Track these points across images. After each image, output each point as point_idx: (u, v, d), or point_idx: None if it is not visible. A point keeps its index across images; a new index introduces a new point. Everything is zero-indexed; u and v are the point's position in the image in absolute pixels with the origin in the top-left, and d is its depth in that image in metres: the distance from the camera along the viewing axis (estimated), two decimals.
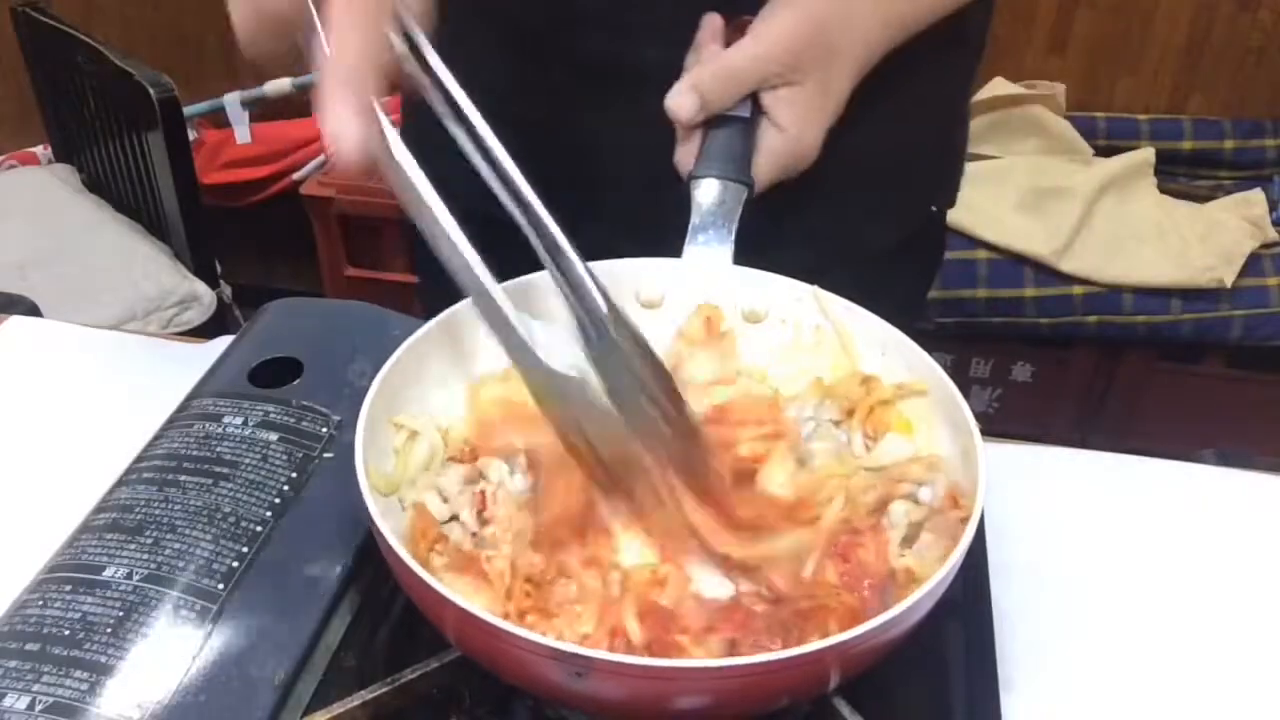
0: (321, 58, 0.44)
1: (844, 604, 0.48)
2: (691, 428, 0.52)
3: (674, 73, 0.63)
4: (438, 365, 0.58)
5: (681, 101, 0.63)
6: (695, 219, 0.62)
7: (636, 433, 0.50)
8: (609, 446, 0.50)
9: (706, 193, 0.62)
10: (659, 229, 0.62)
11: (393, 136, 0.44)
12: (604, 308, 0.49)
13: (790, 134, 0.62)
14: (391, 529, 0.46)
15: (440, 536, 0.52)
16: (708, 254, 0.62)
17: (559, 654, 0.42)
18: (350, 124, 0.42)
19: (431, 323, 0.57)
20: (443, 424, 0.57)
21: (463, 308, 0.57)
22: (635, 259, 0.62)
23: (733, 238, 0.62)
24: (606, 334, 0.49)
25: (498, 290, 0.47)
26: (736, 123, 0.63)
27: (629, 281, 0.62)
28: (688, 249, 0.62)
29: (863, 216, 0.78)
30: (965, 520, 0.49)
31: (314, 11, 0.44)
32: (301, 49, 0.46)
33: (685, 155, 0.64)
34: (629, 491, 0.51)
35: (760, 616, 0.48)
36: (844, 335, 0.60)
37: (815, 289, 0.61)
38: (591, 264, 0.58)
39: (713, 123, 0.63)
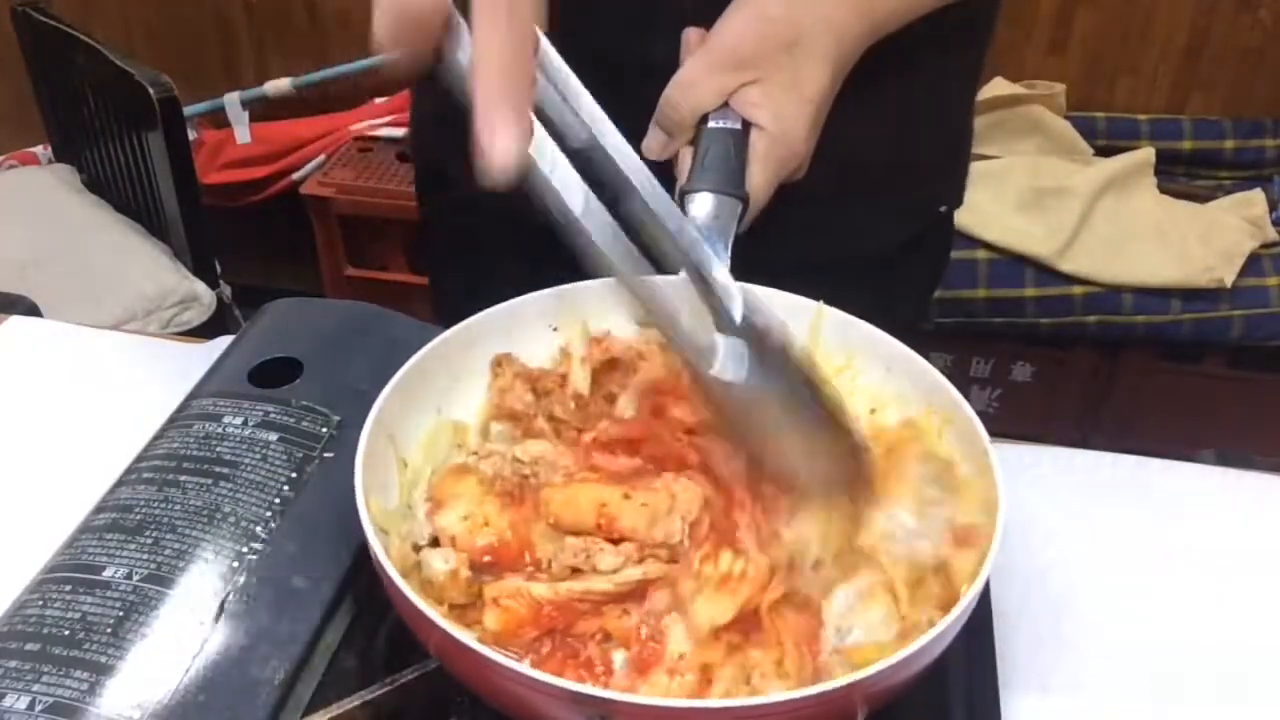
0: (468, 60, 0.40)
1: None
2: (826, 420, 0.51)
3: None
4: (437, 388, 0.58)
5: (647, 143, 0.63)
6: None
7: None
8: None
9: (700, 207, 0.60)
10: None
11: (550, 148, 0.41)
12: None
13: (771, 131, 0.61)
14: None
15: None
16: None
17: (578, 696, 0.41)
18: (508, 136, 0.38)
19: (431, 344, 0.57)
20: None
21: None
22: (629, 277, 0.61)
23: (729, 252, 0.60)
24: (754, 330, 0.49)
25: (668, 295, 0.46)
26: (729, 135, 0.61)
27: (625, 299, 0.61)
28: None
29: (869, 215, 0.78)
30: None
31: (455, 9, 0.41)
32: (443, 51, 0.41)
33: (681, 170, 0.63)
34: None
35: None
36: (849, 353, 0.60)
37: (821, 305, 0.60)
38: (587, 283, 0.59)
39: (706, 136, 0.62)
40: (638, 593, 0.49)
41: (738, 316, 0.48)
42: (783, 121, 0.61)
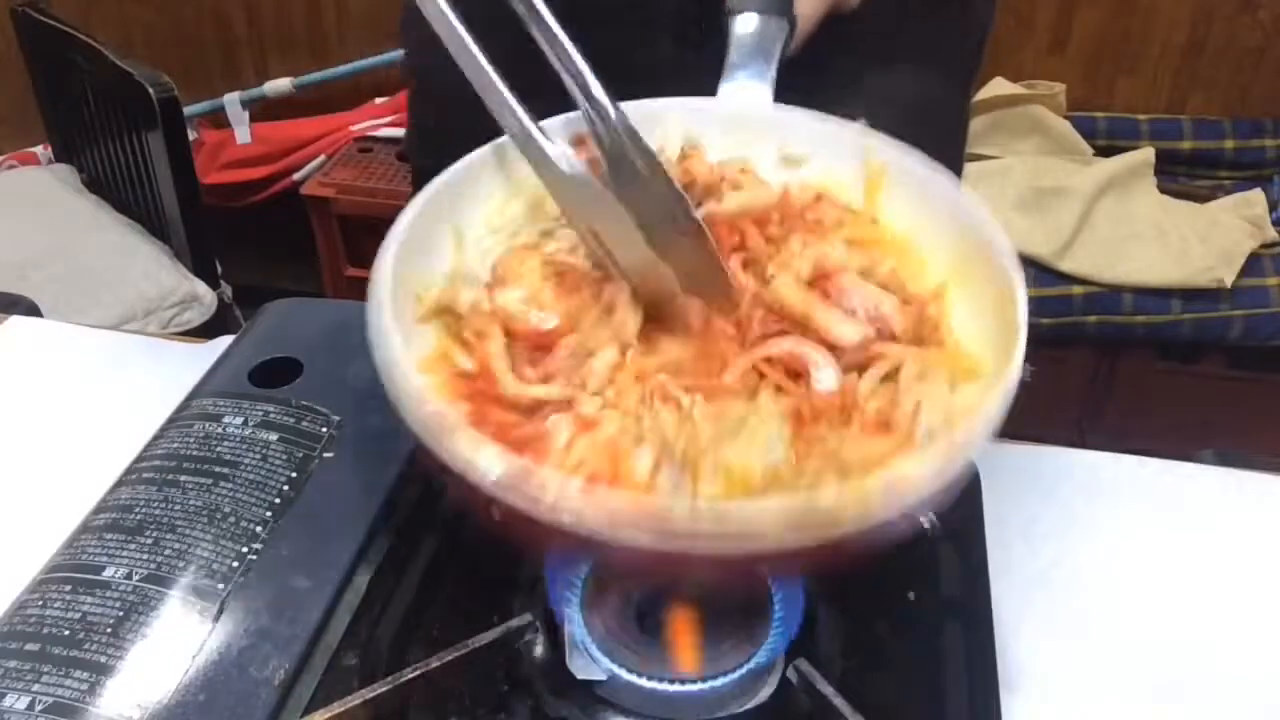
0: None
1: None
2: (699, 232, 0.49)
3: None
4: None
5: None
6: (733, 55, 0.58)
7: (650, 238, 0.48)
8: (625, 251, 0.48)
9: (745, 25, 0.57)
10: None
11: None
12: (613, 114, 0.49)
13: None
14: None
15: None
16: (745, 91, 0.56)
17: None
18: None
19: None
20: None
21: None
22: (667, 98, 0.56)
23: (773, 75, 0.57)
24: (618, 140, 0.48)
25: (510, 97, 0.47)
26: None
27: (659, 122, 0.56)
28: (723, 87, 0.57)
29: None
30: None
31: None
32: None
33: None
34: (649, 299, 0.49)
35: None
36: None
37: (862, 127, 0.55)
38: (622, 103, 0.53)
39: None
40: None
41: (613, 119, 0.48)
42: None
